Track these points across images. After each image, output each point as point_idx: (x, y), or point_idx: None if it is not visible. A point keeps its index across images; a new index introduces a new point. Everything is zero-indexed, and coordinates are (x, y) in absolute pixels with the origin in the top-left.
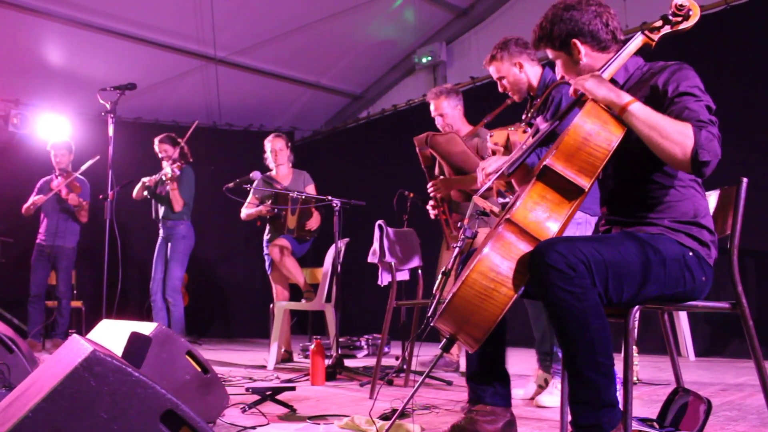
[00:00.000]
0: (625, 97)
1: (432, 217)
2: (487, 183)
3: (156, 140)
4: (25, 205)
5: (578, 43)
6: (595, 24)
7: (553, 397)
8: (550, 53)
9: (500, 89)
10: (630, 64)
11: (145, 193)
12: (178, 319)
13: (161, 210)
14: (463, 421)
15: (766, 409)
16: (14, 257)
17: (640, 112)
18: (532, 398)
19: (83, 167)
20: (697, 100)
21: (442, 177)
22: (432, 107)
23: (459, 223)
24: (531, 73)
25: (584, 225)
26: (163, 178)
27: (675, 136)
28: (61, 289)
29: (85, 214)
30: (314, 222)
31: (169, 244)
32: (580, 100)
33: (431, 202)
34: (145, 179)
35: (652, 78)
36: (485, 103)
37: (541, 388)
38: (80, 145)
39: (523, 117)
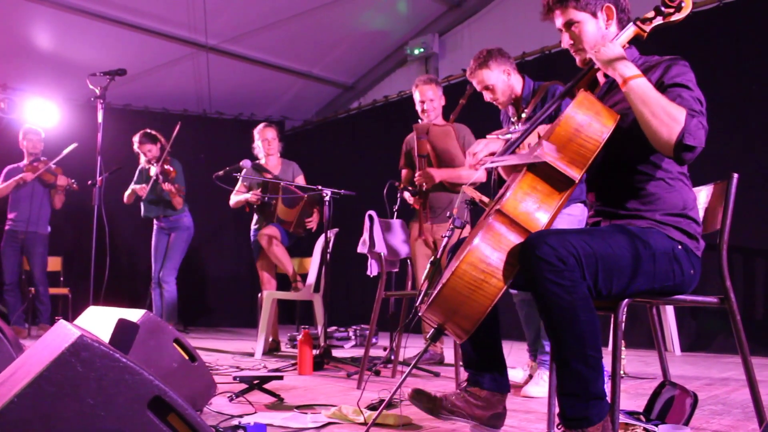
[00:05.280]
0: (633, 70)
1: (411, 203)
2: (480, 169)
3: (135, 142)
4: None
5: (613, 8)
6: None
7: (539, 387)
8: (562, 16)
9: (486, 98)
10: (626, 55)
11: (137, 196)
12: (170, 301)
13: (159, 208)
14: (455, 396)
15: (751, 403)
16: None
17: (641, 86)
18: (521, 387)
19: (63, 153)
20: (689, 92)
21: (428, 168)
22: (418, 94)
23: (448, 213)
24: (515, 81)
25: (585, 220)
26: (158, 181)
27: (665, 116)
28: (38, 276)
29: (61, 199)
30: (314, 223)
31: (173, 234)
32: (589, 72)
33: (410, 187)
34: (135, 187)
35: (648, 71)
36: (476, 95)
37: (531, 377)
38: (69, 130)
39: (523, 117)
